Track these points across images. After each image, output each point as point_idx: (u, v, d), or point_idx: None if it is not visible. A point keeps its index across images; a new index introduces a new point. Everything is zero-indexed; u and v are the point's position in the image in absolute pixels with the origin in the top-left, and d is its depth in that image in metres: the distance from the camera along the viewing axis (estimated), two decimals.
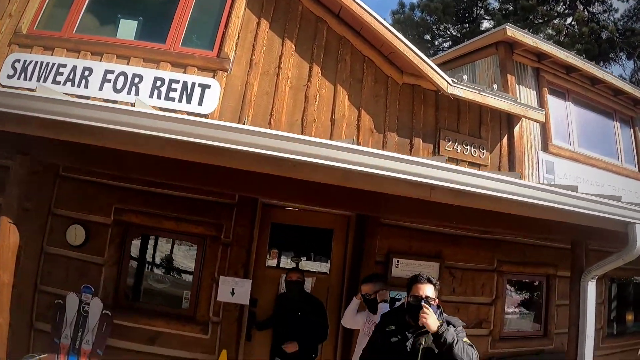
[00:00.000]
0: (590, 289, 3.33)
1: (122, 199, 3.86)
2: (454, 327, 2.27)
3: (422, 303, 2.26)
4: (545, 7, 14.26)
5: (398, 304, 3.00)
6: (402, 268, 4.09)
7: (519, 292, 5.10)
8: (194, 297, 3.90)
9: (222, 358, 3.54)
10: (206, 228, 3.88)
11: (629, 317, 6.43)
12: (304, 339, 3.53)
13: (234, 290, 3.77)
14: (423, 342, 2.22)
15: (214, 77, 4.09)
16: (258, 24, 4.30)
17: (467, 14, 15.96)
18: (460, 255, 4.35)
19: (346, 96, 4.32)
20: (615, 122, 6.01)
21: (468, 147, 4.69)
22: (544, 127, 5.18)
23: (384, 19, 4.29)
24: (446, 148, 4.58)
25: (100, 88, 3.99)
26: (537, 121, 4.92)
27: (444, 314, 2.42)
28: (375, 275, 3.43)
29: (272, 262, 4.08)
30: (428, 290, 2.35)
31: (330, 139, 3.98)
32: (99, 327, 3.62)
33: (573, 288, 3.41)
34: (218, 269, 3.86)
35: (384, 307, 3.11)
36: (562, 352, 5.10)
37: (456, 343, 2.13)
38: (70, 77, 4.01)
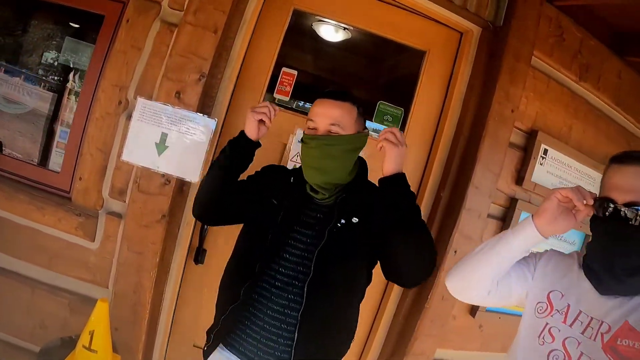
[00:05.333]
0: None
1: None
2: None
3: None
4: None
5: None
6: (550, 167, 1.74)
7: None
8: (73, 148, 1.51)
9: None
10: None
11: None
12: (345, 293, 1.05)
13: (167, 137, 1.38)
14: None
15: None
16: None
17: None
18: None
19: None
20: None
21: None
22: None
23: None
24: None
25: None
26: None
27: None
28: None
29: (281, 96, 1.65)
30: None
31: None
32: None
33: None
34: (140, 82, 1.45)
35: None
36: None
37: None
38: None
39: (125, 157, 1.39)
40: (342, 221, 1.01)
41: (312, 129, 1.02)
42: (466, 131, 1.63)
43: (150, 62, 1.43)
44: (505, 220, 1.69)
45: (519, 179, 1.70)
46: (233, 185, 1.07)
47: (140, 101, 1.38)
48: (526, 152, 1.72)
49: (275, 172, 1.16)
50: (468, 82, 1.67)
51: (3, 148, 1.62)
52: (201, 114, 1.37)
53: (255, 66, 1.57)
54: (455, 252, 1.58)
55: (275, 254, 1.01)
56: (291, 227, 1.02)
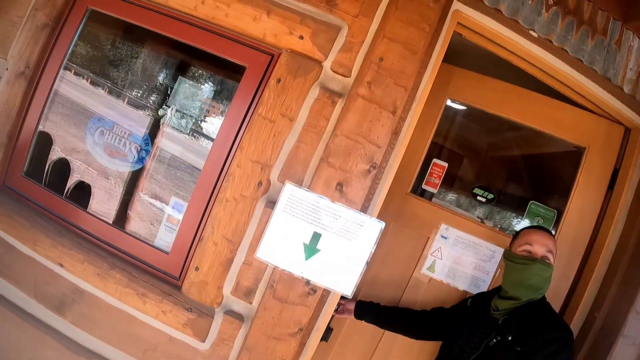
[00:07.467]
0: None
1: None
2: None
3: None
4: None
5: None
6: None
7: None
8: (190, 228, 1.20)
9: None
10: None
11: None
12: None
13: (320, 239, 1.10)
14: None
15: None
16: None
17: None
18: None
19: None
20: None
21: None
22: None
23: None
24: None
25: None
26: None
27: None
28: None
29: (429, 188, 1.39)
30: None
31: None
32: None
33: None
34: (289, 162, 1.15)
35: None
36: None
37: None
38: None
39: (261, 254, 1.10)
40: (498, 337, 1.09)
41: (527, 251, 1.14)
42: (631, 249, 1.41)
43: (304, 138, 1.13)
44: None
45: None
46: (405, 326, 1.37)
47: (289, 187, 1.09)
48: None
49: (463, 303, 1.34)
50: (636, 189, 1.45)
51: (91, 195, 1.29)
52: (369, 216, 1.09)
53: (407, 154, 1.29)
54: None
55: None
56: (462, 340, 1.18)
